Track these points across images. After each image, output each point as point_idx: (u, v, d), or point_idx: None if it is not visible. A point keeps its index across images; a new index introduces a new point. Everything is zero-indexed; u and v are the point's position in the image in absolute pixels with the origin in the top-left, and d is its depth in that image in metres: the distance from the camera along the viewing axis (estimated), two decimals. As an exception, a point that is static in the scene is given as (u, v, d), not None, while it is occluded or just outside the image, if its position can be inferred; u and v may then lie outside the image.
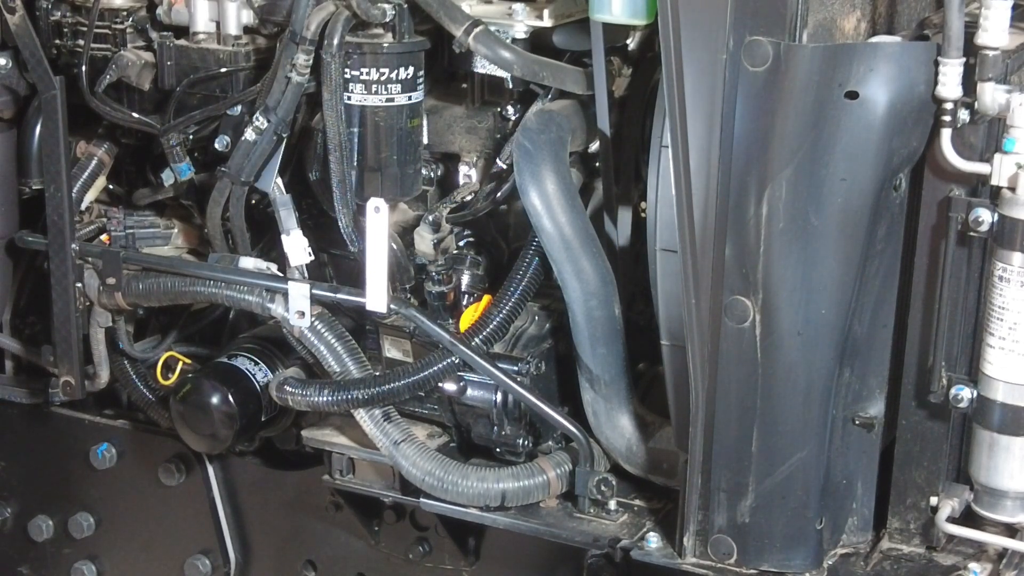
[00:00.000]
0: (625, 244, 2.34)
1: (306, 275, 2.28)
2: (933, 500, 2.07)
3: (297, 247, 2.27)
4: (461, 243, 2.40)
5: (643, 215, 2.35)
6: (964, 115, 1.91)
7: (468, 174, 2.39)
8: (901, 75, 1.89)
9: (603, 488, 2.27)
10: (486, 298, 2.30)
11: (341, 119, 2.18)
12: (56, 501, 2.81)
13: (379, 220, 2.17)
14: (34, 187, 2.53)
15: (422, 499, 2.31)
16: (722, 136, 1.93)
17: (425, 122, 2.32)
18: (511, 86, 2.28)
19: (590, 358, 2.24)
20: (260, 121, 2.22)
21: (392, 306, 2.23)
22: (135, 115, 2.38)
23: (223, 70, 2.29)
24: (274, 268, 2.32)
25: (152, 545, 2.75)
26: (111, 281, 2.41)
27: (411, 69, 2.20)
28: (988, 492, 2.01)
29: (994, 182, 1.92)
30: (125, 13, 2.38)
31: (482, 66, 2.26)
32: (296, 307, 2.26)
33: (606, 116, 2.26)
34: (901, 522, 2.14)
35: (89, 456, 2.71)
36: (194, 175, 2.38)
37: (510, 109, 2.33)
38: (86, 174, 2.49)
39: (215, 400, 2.35)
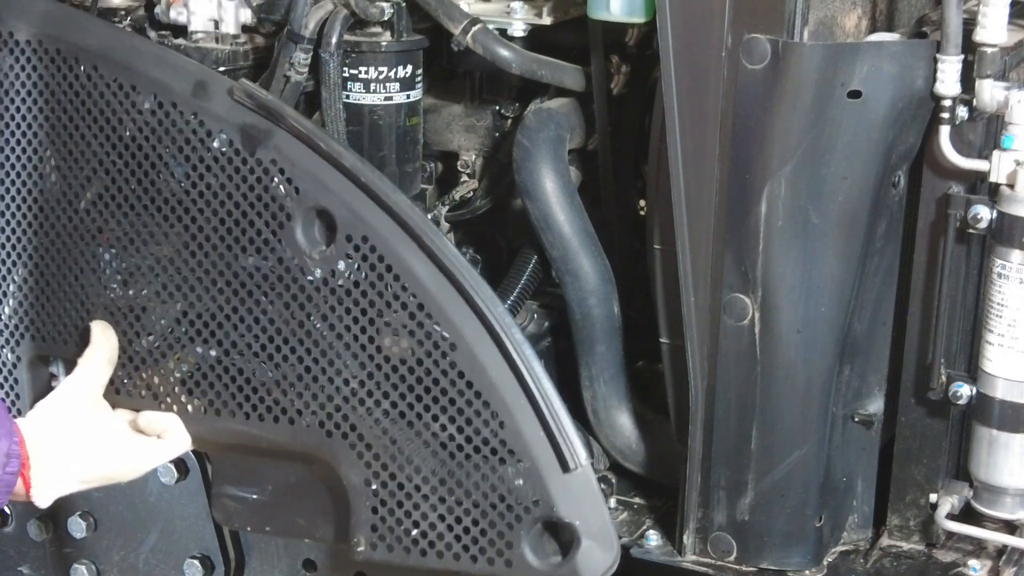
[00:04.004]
0: (624, 242, 2.34)
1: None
2: (933, 497, 2.07)
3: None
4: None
5: (642, 213, 2.36)
6: (963, 112, 1.92)
7: (467, 172, 2.39)
8: (902, 73, 1.89)
9: (603, 486, 2.26)
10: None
11: (340, 118, 2.18)
12: (56, 501, 2.80)
13: (378, 219, 2.17)
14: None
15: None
16: (721, 134, 1.93)
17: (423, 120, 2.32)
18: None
19: (589, 356, 2.24)
20: (259, 120, 2.22)
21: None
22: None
23: (222, 69, 2.29)
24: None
25: (151, 545, 2.75)
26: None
27: (410, 67, 2.20)
28: (987, 489, 2.01)
29: (993, 179, 1.92)
30: (123, 12, 2.38)
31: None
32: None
33: (605, 114, 2.26)
34: (901, 519, 2.14)
35: (88, 456, 2.70)
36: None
37: (508, 107, 2.34)
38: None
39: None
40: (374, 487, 1.94)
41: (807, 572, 2.11)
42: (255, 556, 2.69)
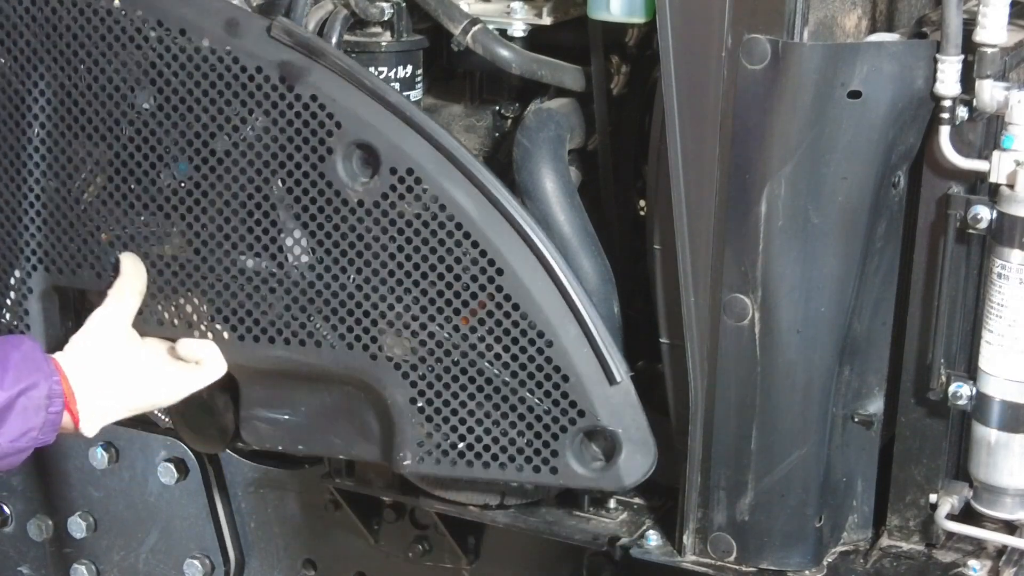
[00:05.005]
0: (624, 242, 2.34)
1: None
2: (932, 497, 2.07)
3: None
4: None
5: (642, 213, 2.36)
6: (963, 112, 1.91)
7: (467, 173, 2.39)
8: (902, 73, 1.89)
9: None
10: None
11: (340, 118, 2.18)
12: (56, 501, 2.81)
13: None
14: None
15: (421, 497, 2.31)
16: (721, 134, 1.93)
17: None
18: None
19: (589, 356, 2.24)
20: (259, 120, 2.22)
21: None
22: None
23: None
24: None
25: (151, 545, 2.75)
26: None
27: (409, 68, 2.20)
28: (987, 489, 2.01)
29: (993, 179, 1.92)
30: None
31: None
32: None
33: (605, 114, 2.26)
34: (901, 519, 2.14)
35: (88, 456, 2.71)
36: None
37: (508, 107, 2.34)
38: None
39: (215, 399, 2.35)
40: (420, 405, 2.00)
41: (807, 572, 2.11)
42: (255, 556, 2.70)
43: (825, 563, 2.13)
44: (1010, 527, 2.05)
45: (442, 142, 1.94)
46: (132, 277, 2.10)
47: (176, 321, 2.11)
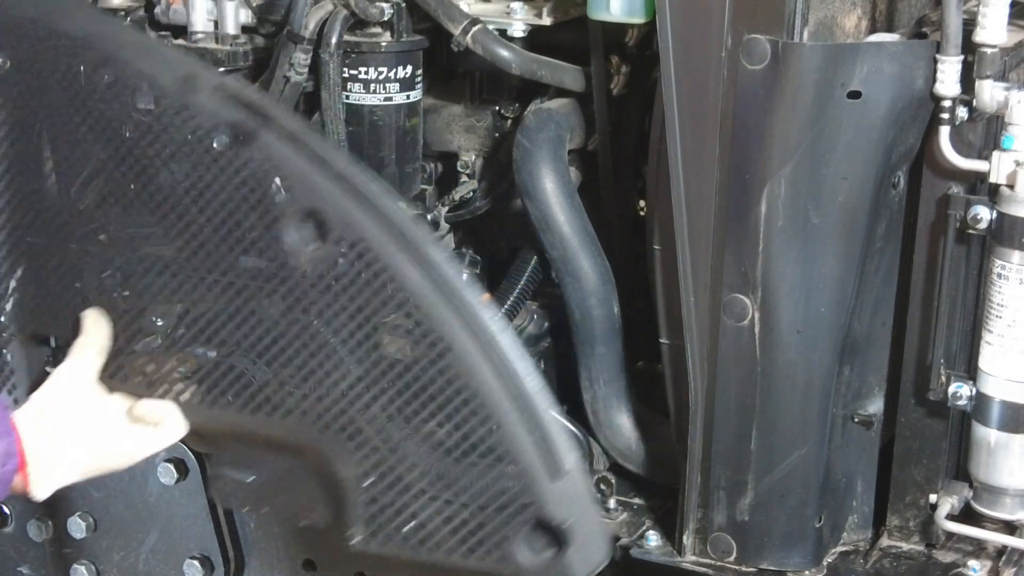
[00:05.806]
0: (624, 242, 2.34)
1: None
2: (932, 498, 2.07)
3: (296, 246, 2.27)
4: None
5: (642, 213, 2.36)
6: (962, 113, 1.92)
7: (467, 173, 2.39)
8: (902, 73, 1.89)
9: (602, 487, 2.27)
10: (484, 297, 2.30)
11: (339, 118, 2.18)
12: (55, 501, 2.80)
13: (378, 219, 2.17)
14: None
15: (421, 498, 2.31)
16: (721, 134, 1.93)
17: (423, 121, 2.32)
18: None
19: (589, 357, 2.24)
20: (259, 120, 2.22)
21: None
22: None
23: (221, 70, 2.29)
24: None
25: (151, 545, 2.75)
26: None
27: (409, 68, 2.20)
28: (987, 489, 2.01)
29: (993, 180, 1.92)
30: (123, 13, 2.38)
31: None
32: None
33: (605, 114, 2.26)
34: (900, 520, 2.14)
35: (88, 456, 2.71)
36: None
37: (508, 107, 2.34)
38: (85, 174, 2.50)
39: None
40: (369, 481, 1.95)
41: (807, 572, 2.11)
42: (255, 556, 2.69)
43: (825, 563, 2.13)
44: (1010, 527, 2.05)
45: (392, 215, 1.86)
46: (94, 334, 2.07)
47: (138, 379, 2.08)
